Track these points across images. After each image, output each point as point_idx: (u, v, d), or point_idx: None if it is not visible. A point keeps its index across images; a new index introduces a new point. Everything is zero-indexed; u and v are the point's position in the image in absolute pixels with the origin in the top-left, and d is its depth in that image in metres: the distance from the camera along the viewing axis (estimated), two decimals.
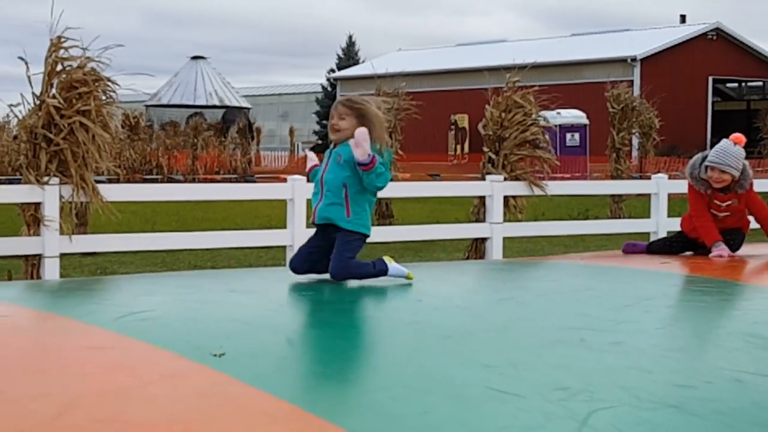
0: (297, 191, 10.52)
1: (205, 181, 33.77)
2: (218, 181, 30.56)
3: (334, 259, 5.77)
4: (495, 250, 12.03)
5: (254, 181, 28.23)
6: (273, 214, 19.21)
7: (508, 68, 13.67)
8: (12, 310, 5.12)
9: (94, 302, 5.38)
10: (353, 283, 5.91)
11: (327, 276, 5.89)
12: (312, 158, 6.25)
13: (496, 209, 12.07)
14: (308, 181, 6.27)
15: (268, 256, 14.91)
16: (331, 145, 5.98)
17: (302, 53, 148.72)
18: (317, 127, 68.26)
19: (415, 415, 3.51)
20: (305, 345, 4.36)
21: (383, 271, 5.88)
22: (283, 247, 11.03)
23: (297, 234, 10.48)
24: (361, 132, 5.62)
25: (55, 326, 4.71)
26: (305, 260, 5.95)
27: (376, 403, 3.59)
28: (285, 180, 11.33)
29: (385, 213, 20.02)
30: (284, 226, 10.95)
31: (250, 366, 3.89)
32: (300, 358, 4.14)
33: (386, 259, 5.95)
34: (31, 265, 9.68)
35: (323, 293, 5.73)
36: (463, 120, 55.22)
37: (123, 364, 3.88)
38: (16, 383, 3.54)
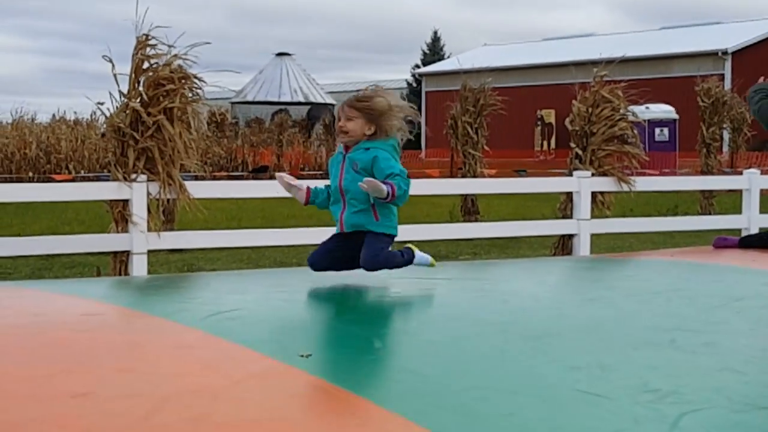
0: None
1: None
2: (304, 178, 30.71)
3: (367, 252, 5.64)
4: (582, 247, 11.91)
5: None
6: None
7: (595, 63, 13.52)
8: (102, 308, 5.18)
9: (183, 301, 5.42)
10: (440, 282, 5.86)
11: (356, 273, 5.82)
12: (297, 185, 5.90)
13: (583, 205, 11.95)
14: (306, 204, 5.89)
15: None
16: (340, 147, 5.79)
17: (387, 49, 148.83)
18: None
19: (502, 416, 3.48)
20: (392, 345, 4.34)
21: (411, 259, 5.85)
22: None
23: None
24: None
25: (145, 325, 4.75)
26: (326, 257, 5.82)
27: (462, 403, 3.56)
28: None
29: (471, 209, 19.92)
30: None
31: (337, 366, 3.89)
32: (387, 358, 4.12)
33: (411, 247, 5.90)
34: (120, 261, 9.78)
35: (410, 292, 5.71)
36: (550, 115, 54.87)
37: (211, 364, 3.89)
38: (106, 382, 3.57)
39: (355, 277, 5.86)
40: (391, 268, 5.78)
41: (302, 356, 3.94)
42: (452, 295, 5.80)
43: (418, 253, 5.90)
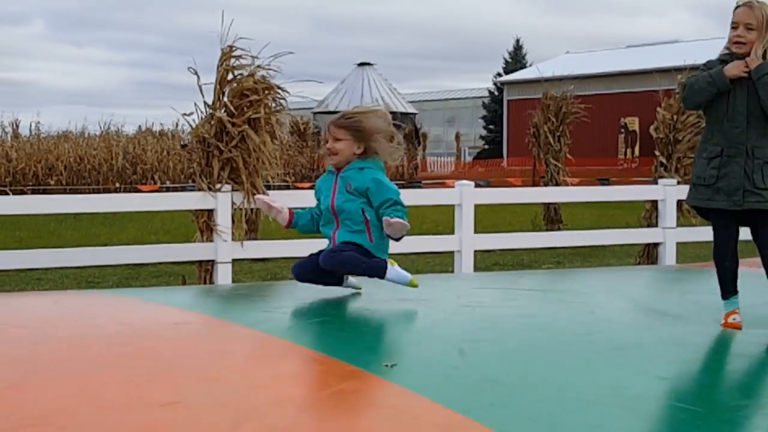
0: (465, 196, 10.48)
1: None
2: None
3: (333, 252, 5.44)
4: (668, 256, 11.76)
5: (420, 187, 28.29)
6: (440, 220, 19.23)
7: (680, 69, 13.35)
8: (188, 316, 5.23)
9: (267, 310, 5.44)
10: (525, 292, 5.81)
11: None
12: (278, 208, 5.68)
13: (669, 214, 11.80)
14: (288, 227, 5.73)
15: (436, 262, 14.92)
16: (330, 167, 5.58)
17: (469, 58, 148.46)
18: (483, 132, 68.13)
19: (588, 427, 3.44)
20: (476, 355, 4.31)
21: (380, 269, 5.44)
22: (452, 253, 11.01)
23: (465, 239, 10.45)
24: (391, 227, 5.26)
25: (230, 334, 4.78)
26: (312, 269, 5.58)
27: (548, 413, 3.53)
28: (452, 185, 11.32)
29: (554, 218, 19.79)
30: (452, 232, 10.94)
31: (421, 376, 3.88)
32: (471, 368, 4.10)
33: (389, 262, 5.52)
34: (205, 270, 9.86)
35: (493, 303, 5.68)
36: (634, 123, 54.35)
37: (296, 374, 3.91)
38: (194, 391, 3.60)
39: (437, 286, 5.85)
40: (349, 269, 5.47)
41: (387, 366, 3.94)
42: (536, 306, 5.75)
43: (394, 268, 5.50)
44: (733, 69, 5.36)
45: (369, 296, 5.65)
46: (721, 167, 5.37)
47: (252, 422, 3.27)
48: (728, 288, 5.39)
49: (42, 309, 5.55)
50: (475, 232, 10.61)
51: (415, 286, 5.51)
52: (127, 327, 4.84)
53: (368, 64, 57.18)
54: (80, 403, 3.42)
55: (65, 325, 4.85)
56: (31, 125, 41.05)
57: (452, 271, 11.18)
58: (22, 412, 3.30)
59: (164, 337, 4.57)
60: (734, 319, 5.21)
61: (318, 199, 5.66)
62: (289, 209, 5.72)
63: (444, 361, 4.14)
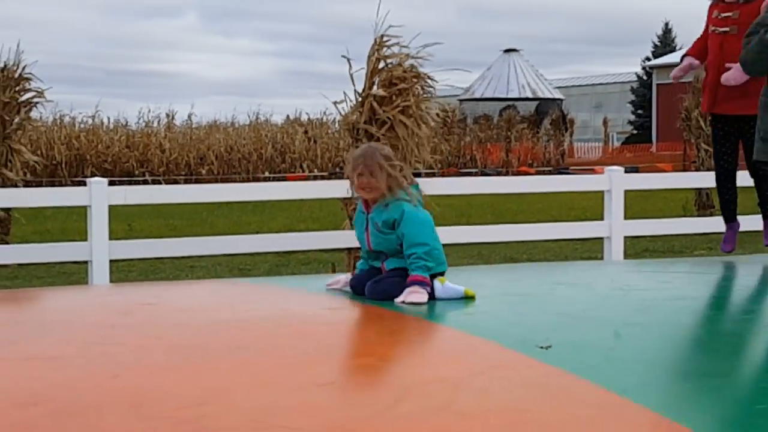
0: (614, 182, 10.36)
1: (519, 173, 33.91)
2: (532, 174, 30.62)
3: (376, 281, 5.28)
4: None
5: (568, 173, 28.08)
6: (588, 206, 19.04)
7: None
8: (343, 303, 5.30)
9: None
10: (679, 275, 5.73)
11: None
12: (343, 279, 5.62)
13: None
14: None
15: (584, 248, 14.80)
16: (360, 205, 5.49)
17: (617, 42, 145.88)
18: (632, 117, 67.06)
19: (744, 402, 3.41)
20: (633, 337, 4.28)
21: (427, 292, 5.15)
22: (600, 239, 10.91)
23: (615, 225, 10.34)
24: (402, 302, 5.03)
25: (384, 319, 4.85)
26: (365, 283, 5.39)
27: (709, 395, 3.50)
28: (601, 171, 11.21)
29: (705, 203, 19.43)
30: (601, 218, 10.83)
31: (577, 357, 3.87)
32: (628, 349, 4.07)
33: (438, 281, 5.21)
34: (354, 258, 9.97)
35: (647, 286, 5.63)
36: None
37: (451, 355, 3.94)
38: (351, 373, 3.68)
39: (592, 271, 5.82)
40: (394, 297, 5.17)
41: (541, 348, 3.95)
42: (690, 289, 5.67)
43: (443, 286, 5.19)
44: None
45: (520, 281, 5.66)
46: None
47: (408, 402, 3.31)
48: None
49: (202, 296, 5.72)
50: (625, 218, 10.48)
51: (472, 295, 5.19)
52: (283, 312, 4.95)
53: (514, 50, 56.76)
54: (240, 383, 3.50)
55: (224, 310, 4.97)
56: (186, 116, 41.93)
57: (601, 258, 11.08)
58: (185, 392, 3.39)
59: (321, 323, 4.66)
60: None
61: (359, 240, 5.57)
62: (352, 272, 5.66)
63: (599, 344, 4.13)
